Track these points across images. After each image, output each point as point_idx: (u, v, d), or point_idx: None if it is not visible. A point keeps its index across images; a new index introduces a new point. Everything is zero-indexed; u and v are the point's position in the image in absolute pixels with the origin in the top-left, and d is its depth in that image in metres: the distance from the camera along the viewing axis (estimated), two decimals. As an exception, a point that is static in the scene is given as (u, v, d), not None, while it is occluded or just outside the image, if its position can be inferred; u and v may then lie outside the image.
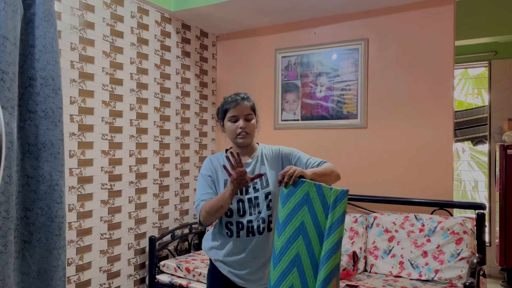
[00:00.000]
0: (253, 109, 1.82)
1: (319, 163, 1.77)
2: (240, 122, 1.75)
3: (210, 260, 1.86)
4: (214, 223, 1.81)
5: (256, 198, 1.75)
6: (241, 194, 1.75)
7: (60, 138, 2.04)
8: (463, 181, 5.14)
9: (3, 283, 1.78)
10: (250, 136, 1.78)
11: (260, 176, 1.67)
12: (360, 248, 2.91)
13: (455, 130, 3.75)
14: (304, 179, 1.55)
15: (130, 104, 3.03)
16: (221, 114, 1.82)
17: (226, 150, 1.87)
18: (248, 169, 1.77)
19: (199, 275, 2.82)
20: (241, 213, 1.74)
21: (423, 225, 2.78)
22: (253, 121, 1.80)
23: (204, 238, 1.91)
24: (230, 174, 1.60)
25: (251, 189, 1.76)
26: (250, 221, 1.73)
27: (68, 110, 2.56)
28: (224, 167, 1.63)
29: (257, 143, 1.90)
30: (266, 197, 1.75)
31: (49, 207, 2.00)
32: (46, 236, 2.00)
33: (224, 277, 1.79)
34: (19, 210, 1.96)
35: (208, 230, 1.97)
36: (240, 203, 1.75)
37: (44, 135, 2.00)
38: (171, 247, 3.34)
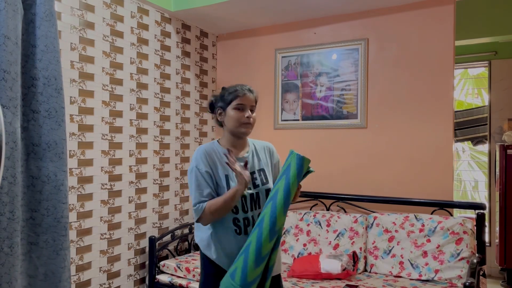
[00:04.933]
0: (256, 102, 1.82)
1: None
2: (248, 112, 1.76)
3: (210, 262, 1.77)
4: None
5: (257, 194, 1.78)
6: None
7: (64, 138, 2.04)
8: (463, 181, 5.14)
9: (10, 286, 1.78)
10: (252, 127, 1.79)
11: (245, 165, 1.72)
12: (360, 248, 2.91)
13: (455, 130, 3.75)
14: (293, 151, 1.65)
15: (130, 104, 3.03)
16: (225, 102, 1.78)
17: (218, 141, 1.83)
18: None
19: (199, 275, 2.82)
20: (246, 209, 1.75)
21: (423, 225, 2.78)
22: (255, 114, 1.81)
23: (201, 241, 1.79)
24: (239, 175, 1.63)
25: (251, 185, 1.77)
26: (253, 217, 1.76)
27: (68, 110, 2.56)
28: (234, 169, 1.64)
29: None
30: (267, 193, 1.79)
31: (55, 207, 2.00)
32: (53, 237, 2.00)
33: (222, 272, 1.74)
34: (24, 211, 1.95)
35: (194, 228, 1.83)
36: (243, 199, 1.75)
37: (48, 135, 2.00)
38: (171, 247, 3.34)
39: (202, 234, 1.79)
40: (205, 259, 1.80)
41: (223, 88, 1.85)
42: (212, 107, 1.86)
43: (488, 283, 3.38)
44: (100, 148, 2.79)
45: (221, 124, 1.84)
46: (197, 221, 1.72)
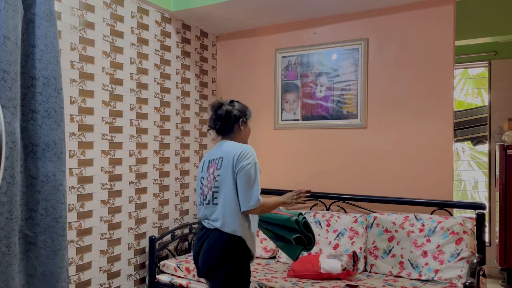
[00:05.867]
0: None
1: None
2: None
3: (246, 252, 2.08)
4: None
5: None
6: None
7: (63, 138, 2.04)
8: (463, 181, 5.14)
9: (6, 285, 1.78)
10: None
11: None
12: (360, 248, 2.91)
13: (455, 130, 3.75)
14: None
15: (130, 104, 3.03)
16: (248, 117, 2.24)
17: None
18: None
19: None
20: None
21: (423, 225, 2.78)
22: None
23: (243, 231, 2.06)
24: (296, 201, 2.29)
25: None
26: None
27: (68, 110, 2.56)
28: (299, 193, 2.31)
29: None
30: None
31: (53, 207, 2.00)
32: (51, 237, 2.00)
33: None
34: (23, 211, 1.95)
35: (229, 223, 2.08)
36: None
37: (47, 135, 2.00)
38: (171, 247, 3.34)
39: (240, 228, 2.04)
40: (241, 250, 2.06)
41: (239, 102, 2.24)
42: (236, 118, 2.19)
43: (488, 283, 3.38)
44: (100, 148, 2.79)
45: (231, 130, 2.20)
46: (251, 211, 2.03)
